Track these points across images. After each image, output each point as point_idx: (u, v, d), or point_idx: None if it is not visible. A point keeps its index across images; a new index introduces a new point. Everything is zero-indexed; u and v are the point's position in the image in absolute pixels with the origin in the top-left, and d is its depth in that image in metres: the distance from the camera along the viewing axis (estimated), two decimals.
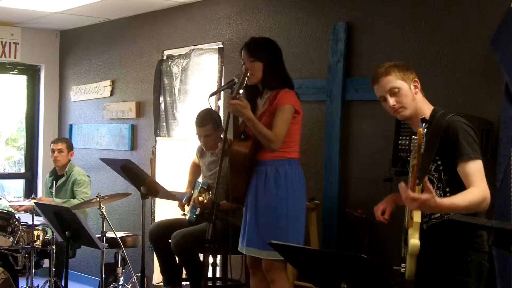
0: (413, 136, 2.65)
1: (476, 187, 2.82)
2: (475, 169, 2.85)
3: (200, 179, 5.07)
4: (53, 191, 5.71)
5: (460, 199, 2.79)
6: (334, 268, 2.51)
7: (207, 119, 4.86)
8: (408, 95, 3.03)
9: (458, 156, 2.87)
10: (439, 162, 2.96)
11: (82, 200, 5.84)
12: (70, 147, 6.27)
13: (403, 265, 2.92)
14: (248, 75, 3.84)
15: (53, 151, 6.21)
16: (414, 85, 3.05)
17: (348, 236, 4.74)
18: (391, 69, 3.05)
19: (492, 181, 3.83)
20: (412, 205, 2.72)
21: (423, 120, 2.79)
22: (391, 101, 3.03)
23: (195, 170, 5.23)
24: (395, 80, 3.03)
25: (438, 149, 2.93)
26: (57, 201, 5.75)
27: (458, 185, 2.88)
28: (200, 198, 4.75)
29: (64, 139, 6.44)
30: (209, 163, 4.99)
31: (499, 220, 3.66)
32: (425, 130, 2.66)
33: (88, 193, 6.06)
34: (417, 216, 2.86)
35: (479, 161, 2.88)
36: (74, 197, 6.02)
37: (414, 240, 2.83)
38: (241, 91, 3.81)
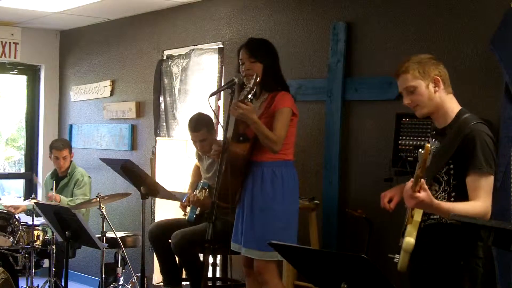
0: (420, 150, 2.64)
1: (481, 203, 2.82)
2: (484, 184, 2.84)
3: (202, 181, 5.07)
4: (54, 193, 5.69)
5: (461, 208, 2.79)
6: (334, 268, 2.51)
7: (200, 124, 4.85)
8: (424, 94, 2.99)
9: (471, 167, 2.85)
10: (451, 166, 2.93)
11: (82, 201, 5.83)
12: (71, 149, 6.22)
13: (397, 255, 2.93)
14: (258, 80, 3.81)
15: (57, 158, 6.08)
16: (434, 83, 3.00)
17: (348, 236, 4.74)
18: (410, 67, 3.01)
19: None
20: (409, 202, 2.74)
21: (434, 136, 2.77)
22: (406, 99, 3.04)
23: (197, 172, 5.23)
24: (412, 79, 2.99)
25: (454, 153, 2.90)
26: (63, 200, 5.75)
27: (464, 192, 2.88)
28: (198, 195, 4.76)
29: (66, 143, 6.25)
30: (207, 166, 4.99)
31: (499, 220, 3.66)
32: (435, 146, 2.67)
33: (87, 195, 6.02)
34: (417, 215, 2.87)
35: (491, 177, 2.86)
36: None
37: (409, 238, 2.85)
38: (249, 95, 3.80)
